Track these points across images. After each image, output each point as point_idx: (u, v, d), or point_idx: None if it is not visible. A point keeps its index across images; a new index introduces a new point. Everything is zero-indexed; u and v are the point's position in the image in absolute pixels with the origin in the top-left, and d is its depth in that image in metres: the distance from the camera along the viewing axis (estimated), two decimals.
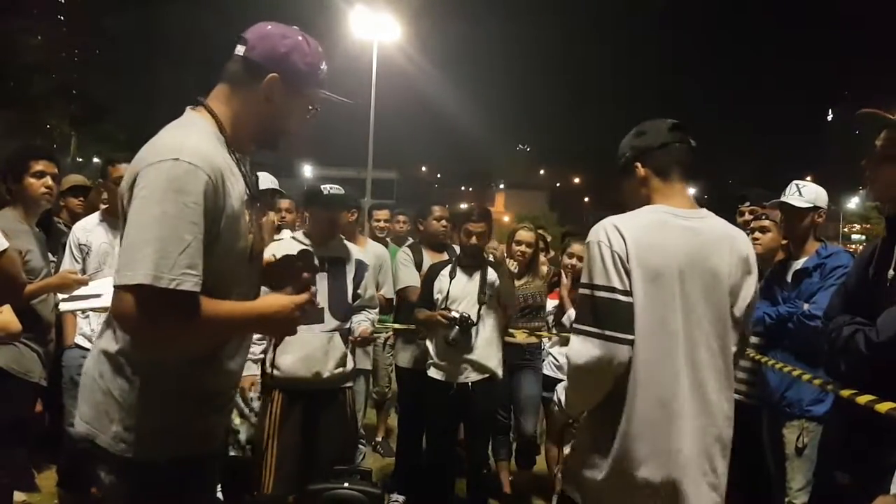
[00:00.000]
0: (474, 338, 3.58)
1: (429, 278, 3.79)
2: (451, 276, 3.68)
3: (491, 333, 3.67)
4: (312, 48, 1.67)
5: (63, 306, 3.07)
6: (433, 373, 3.68)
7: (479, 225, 3.66)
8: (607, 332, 1.72)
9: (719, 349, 1.82)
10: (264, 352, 3.28)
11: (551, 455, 4.32)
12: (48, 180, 3.06)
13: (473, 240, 3.66)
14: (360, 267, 3.38)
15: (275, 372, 3.17)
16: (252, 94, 1.62)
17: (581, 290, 1.83)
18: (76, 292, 3.04)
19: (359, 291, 3.36)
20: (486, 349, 3.64)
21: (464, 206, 4.41)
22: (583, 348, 1.74)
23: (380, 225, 5.22)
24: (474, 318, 3.56)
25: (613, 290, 1.73)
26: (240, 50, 1.63)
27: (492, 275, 3.68)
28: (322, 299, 3.23)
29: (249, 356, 3.27)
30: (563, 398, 1.93)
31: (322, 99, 1.73)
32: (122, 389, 1.55)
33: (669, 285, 1.74)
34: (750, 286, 1.86)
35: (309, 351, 3.15)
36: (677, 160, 1.90)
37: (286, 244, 3.35)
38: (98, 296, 3.07)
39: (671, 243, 1.77)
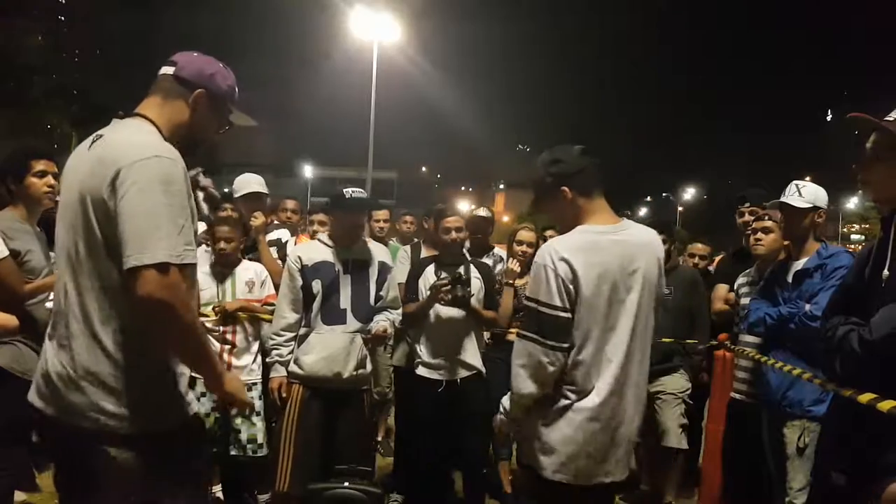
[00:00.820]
0: (460, 331, 3.66)
1: (414, 275, 3.81)
2: (437, 274, 3.72)
3: (469, 331, 3.71)
4: (230, 74, 2.02)
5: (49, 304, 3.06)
6: (422, 371, 3.71)
7: (454, 220, 3.73)
8: (549, 342, 2.07)
9: (649, 334, 2.22)
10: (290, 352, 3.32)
11: None
12: (50, 179, 3.07)
13: (452, 235, 3.73)
14: (384, 269, 3.41)
15: (297, 370, 3.22)
16: (181, 106, 1.93)
17: (527, 303, 2.16)
18: None
19: (381, 293, 3.38)
20: (467, 346, 3.70)
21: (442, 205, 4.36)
22: (525, 351, 2.12)
23: (379, 225, 5.21)
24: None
25: (556, 307, 2.07)
26: (169, 69, 1.95)
27: (473, 272, 3.74)
28: (345, 301, 3.26)
29: (276, 357, 3.30)
30: (507, 405, 2.28)
31: (232, 116, 2.07)
32: (116, 373, 1.74)
33: (609, 293, 2.10)
34: (661, 279, 2.27)
35: (331, 351, 3.20)
36: (594, 180, 2.21)
37: (312, 246, 3.38)
38: None
39: (605, 259, 2.10)
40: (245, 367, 3.68)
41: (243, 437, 3.64)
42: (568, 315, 2.07)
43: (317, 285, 3.24)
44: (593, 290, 2.08)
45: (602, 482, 2.15)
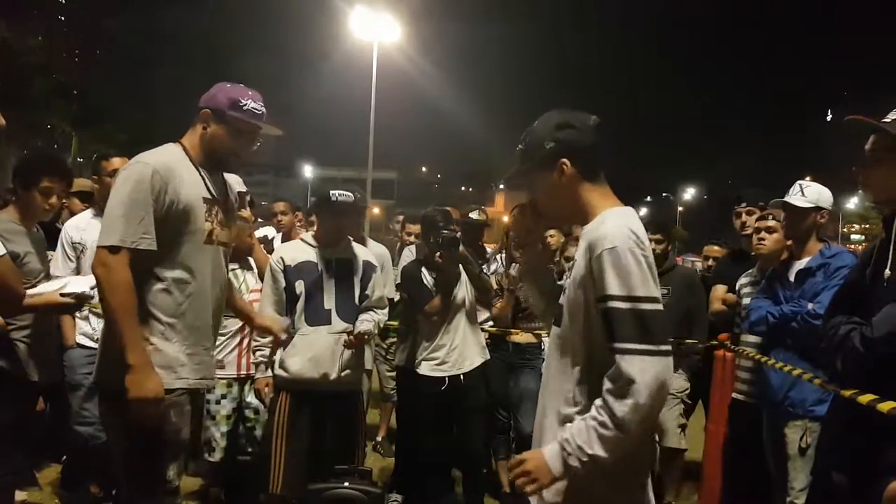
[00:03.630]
0: (458, 322, 3.69)
1: (414, 279, 3.81)
2: (431, 275, 3.75)
3: (467, 324, 3.74)
4: (236, 90, 2.36)
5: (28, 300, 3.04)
6: (424, 369, 3.71)
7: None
8: (663, 347, 1.54)
9: None
10: (272, 353, 3.29)
11: None
12: (53, 199, 3.09)
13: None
14: (368, 268, 3.38)
15: (283, 373, 3.19)
16: (198, 128, 2.37)
17: (615, 305, 1.54)
18: (56, 287, 3.01)
19: (366, 292, 3.35)
20: (467, 338, 3.73)
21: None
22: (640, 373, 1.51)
23: (411, 239, 4.91)
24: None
25: (655, 299, 1.57)
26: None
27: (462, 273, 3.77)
28: (329, 301, 3.24)
29: (261, 358, 3.30)
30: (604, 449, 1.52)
31: (253, 125, 2.38)
32: (108, 340, 2.19)
33: None
34: None
35: (316, 352, 3.16)
36: (600, 163, 1.76)
37: (296, 246, 3.37)
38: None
39: None
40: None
41: (258, 433, 3.64)
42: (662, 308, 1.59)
43: (300, 286, 3.19)
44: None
45: None
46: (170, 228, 2.22)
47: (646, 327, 1.51)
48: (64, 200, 3.43)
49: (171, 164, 2.25)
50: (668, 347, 1.54)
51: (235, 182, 2.68)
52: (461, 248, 3.63)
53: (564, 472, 1.54)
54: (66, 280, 2.96)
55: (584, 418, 1.55)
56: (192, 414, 2.38)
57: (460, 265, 3.69)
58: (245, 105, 2.34)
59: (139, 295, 2.18)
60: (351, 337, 3.16)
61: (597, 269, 1.57)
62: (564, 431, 1.57)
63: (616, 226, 1.59)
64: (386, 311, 3.47)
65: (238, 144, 2.39)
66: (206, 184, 2.34)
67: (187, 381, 2.27)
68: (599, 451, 1.50)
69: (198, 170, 2.33)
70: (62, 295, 2.81)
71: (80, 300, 2.75)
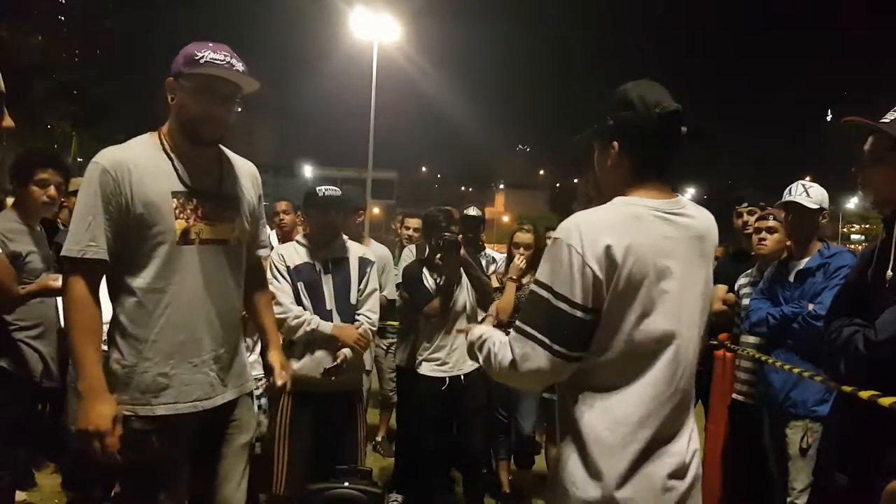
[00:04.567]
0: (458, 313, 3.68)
1: (414, 279, 3.80)
2: (432, 275, 3.74)
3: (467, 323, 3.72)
4: (192, 46, 1.99)
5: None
6: (424, 369, 3.72)
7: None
8: (555, 347, 1.56)
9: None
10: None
11: (551, 455, 4.32)
12: (51, 190, 3.08)
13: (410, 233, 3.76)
14: (363, 264, 3.38)
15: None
16: (171, 103, 2.04)
17: (535, 288, 1.58)
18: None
19: (361, 287, 3.36)
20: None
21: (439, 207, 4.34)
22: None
23: (408, 233, 4.93)
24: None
25: (574, 304, 1.54)
26: None
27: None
28: (329, 301, 3.25)
29: (313, 325, 3.24)
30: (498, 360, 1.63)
31: (215, 79, 1.98)
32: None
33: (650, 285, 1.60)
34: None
35: (317, 352, 3.17)
36: (663, 159, 1.63)
37: (291, 248, 3.36)
38: None
39: (648, 241, 1.58)
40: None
41: (263, 429, 3.64)
42: (588, 317, 1.51)
43: (301, 287, 3.22)
44: (634, 282, 1.51)
45: None
46: (134, 231, 1.95)
47: (549, 320, 1.51)
48: (63, 199, 3.43)
49: (128, 158, 1.96)
50: (561, 349, 1.51)
51: (246, 167, 2.23)
52: (462, 251, 3.63)
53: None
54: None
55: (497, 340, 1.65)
56: (218, 434, 2.12)
57: (461, 268, 3.69)
58: (201, 57, 1.95)
59: (113, 310, 1.98)
60: (345, 354, 3.16)
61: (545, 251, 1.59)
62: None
63: (578, 219, 1.54)
64: (376, 313, 3.43)
65: (204, 106, 1.98)
66: (178, 174, 2.01)
67: (174, 405, 1.98)
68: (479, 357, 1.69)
69: (170, 158, 2.01)
70: (54, 280, 2.86)
71: None
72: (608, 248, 1.48)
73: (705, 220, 1.67)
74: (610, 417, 1.53)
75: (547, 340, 1.51)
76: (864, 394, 1.87)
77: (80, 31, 29.79)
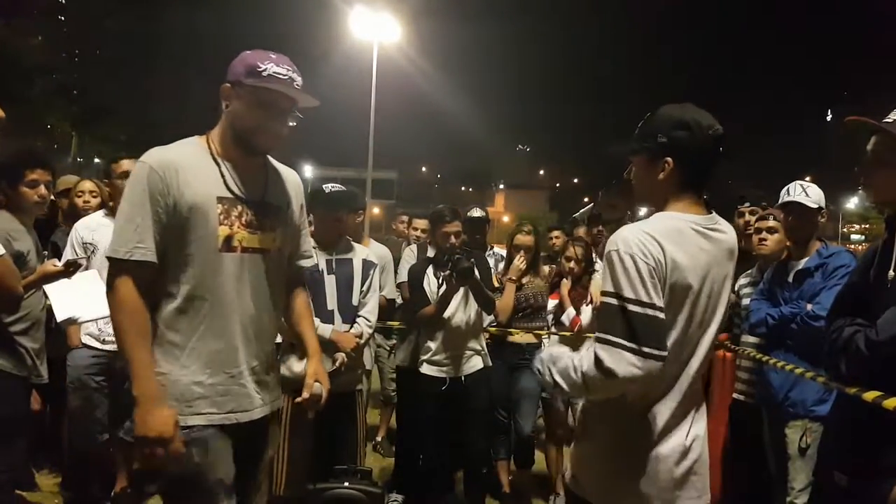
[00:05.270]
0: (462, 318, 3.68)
1: (416, 280, 3.80)
2: (436, 275, 3.73)
3: (469, 326, 3.73)
4: (255, 55, 1.95)
5: (59, 316, 3.06)
6: (426, 369, 3.72)
7: (453, 225, 3.71)
8: (643, 348, 1.64)
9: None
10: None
11: (550, 455, 4.32)
12: (41, 189, 3.08)
13: (452, 239, 3.70)
14: (367, 265, 3.39)
15: (286, 373, 3.18)
16: (222, 109, 2.00)
17: (606, 300, 1.68)
18: (64, 290, 3.03)
19: (363, 288, 3.36)
20: (472, 342, 3.73)
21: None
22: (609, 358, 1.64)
23: (416, 234, 4.96)
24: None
25: (649, 304, 1.65)
26: None
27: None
28: (332, 301, 3.25)
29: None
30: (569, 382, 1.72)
31: (277, 94, 1.94)
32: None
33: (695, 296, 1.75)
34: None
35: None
36: (705, 175, 1.80)
37: None
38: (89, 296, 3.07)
39: (693, 253, 1.74)
40: None
41: None
42: (661, 314, 1.64)
43: None
44: (681, 289, 1.68)
45: None
46: (177, 235, 1.90)
47: (629, 325, 1.60)
48: (52, 197, 3.44)
49: (177, 159, 1.91)
50: (652, 350, 1.60)
51: (291, 177, 2.20)
52: (476, 274, 3.59)
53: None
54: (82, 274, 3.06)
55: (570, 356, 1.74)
56: (250, 450, 2.05)
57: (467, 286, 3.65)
58: (265, 70, 1.92)
59: (153, 315, 1.90)
60: (342, 357, 3.16)
61: (603, 265, 1.73)
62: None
63: (633, 231, 1.68)
64: (374, 315, 3.43)
65: (262, 119, 1.95)
66: (224, 180, 1.96)
67: (209, 416, 1.92)
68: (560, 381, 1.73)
69: (217, 164, 1.97)
70: (54, 265, 2.91)
71: (70, 266, 2.96)
72: (661, 255, 1.65)
73: (734, 236, 1.84)
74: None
75: (635, 346, 1.60)
76: (869, 395, 1.86)
77: (80, 31, 29.78)
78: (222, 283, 1.94)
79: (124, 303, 1.84)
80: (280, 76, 1.93)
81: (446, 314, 3.68)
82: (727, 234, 1.81)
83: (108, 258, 1.89)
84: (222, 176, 1.96)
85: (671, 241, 1.67)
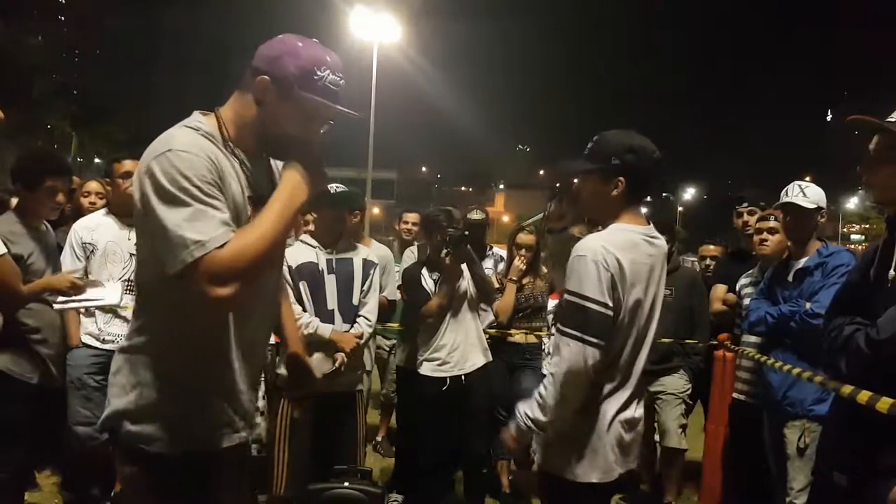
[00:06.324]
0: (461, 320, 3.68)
1: (414, 280, 3.81)
2: (431, 276, 3.75)
3: (469, 324, 3.74)
4: (310, 53, 1.63)
5: (58, 306, 3.07)
6: (425, 369, 3.72)
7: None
8: (591, 339, 1.95)
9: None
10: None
11: None
12: (59, 197, 3.08)
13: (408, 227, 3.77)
14: (367, 265, 3.39)
15: (286, 373, 3.18)
16: (247, 98, 1.65)
17: (570, 298, 2.00)
18: (75, 298, 3.04)
19: (364, 288, 3.37)
20: (470, 340, 3.72)
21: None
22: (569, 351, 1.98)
23: (407, 227, 4.96)
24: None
25: (602, 303, 1.96)
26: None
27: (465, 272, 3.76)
28: (332, 301, 3.25)
29: (313, 329, 3.23)
30: (537, 413, 2.06)
31: (329, 109, 1.66)
32: (138, 385, 1.65)
33: (643, 295, 2.06)
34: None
35: (315, 354, 3.16)
36: (647, 191, 2.11)
37: (297, 248, 3.36)
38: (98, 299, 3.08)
39: (643, 260, 2.06)
40: None
41: (262, 431, 3.63)
42: (611, 313, 1.96)
43: (303, 287, 3.21)
44: (634, 291, 2.01)
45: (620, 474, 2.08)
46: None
47: (586, 320, 1.93)
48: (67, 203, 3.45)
49: (207, 148, 1.59)
50: (597, 340, 1.93)
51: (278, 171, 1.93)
52: (468, 247, 3.62)
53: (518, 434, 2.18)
54: (102, 292, 3.07)
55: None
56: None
57: (464, 265, 3.68)
58: (322, 78, 1.61)
59: (177, 322, 1.63)
60: (342, 358, 3.14)
61: (569, 268, 2.00)
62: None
63: (597, 241, 1.98)
64: (374, 315, 3.43)
65: (302, 130, 1.67)
66: (248, 179, 1.67)
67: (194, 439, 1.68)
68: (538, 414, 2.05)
69: (236, 156, 1.65)
70: (61, 281, 2.91)
71: (74, 288, 2.96)
72: (617, 266, 1.95)
73: (665, 243, 2.18)
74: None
75: (584, 336, 1.93)
76: (862, 396, 1.87)
77: (80, 31, 29.80)
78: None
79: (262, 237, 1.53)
80: (333, 87, 1.64)
81: (447, 314, 3.68)
82: (662, 240, 2.15)
83: (198, 259, 1.45)
84: (245, 174, 1.67)
85: (627, 251, 1.98)
